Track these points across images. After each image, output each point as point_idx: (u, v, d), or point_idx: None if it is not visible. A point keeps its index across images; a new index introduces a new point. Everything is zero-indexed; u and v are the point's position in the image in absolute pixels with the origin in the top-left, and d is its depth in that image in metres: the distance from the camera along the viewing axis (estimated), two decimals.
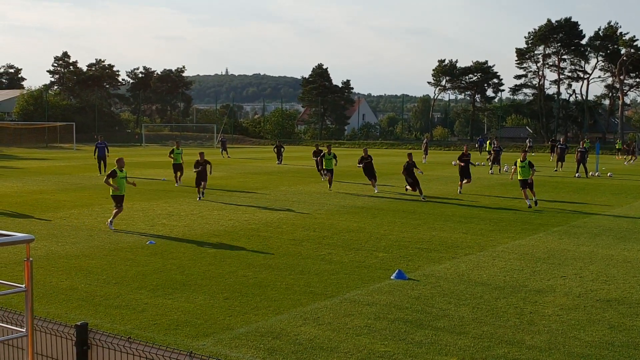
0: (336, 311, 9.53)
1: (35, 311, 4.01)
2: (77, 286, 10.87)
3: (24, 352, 4.75)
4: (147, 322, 8.95)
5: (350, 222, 18.07)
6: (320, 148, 33.28)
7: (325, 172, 28.42)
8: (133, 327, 8.69)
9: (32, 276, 3.80)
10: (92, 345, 4.55)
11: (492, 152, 39.12)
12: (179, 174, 28.39)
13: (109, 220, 16.87)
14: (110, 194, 17.32)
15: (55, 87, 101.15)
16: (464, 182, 25.95)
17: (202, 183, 23.39)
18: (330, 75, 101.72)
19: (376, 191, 25.44)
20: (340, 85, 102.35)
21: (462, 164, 25.78)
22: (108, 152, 34.51)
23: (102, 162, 33.82)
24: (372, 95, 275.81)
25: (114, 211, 16.97)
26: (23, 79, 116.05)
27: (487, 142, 51.30)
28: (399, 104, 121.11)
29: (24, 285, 3.81)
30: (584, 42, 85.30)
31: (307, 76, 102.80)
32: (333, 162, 27.44)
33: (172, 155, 28.84)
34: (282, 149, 44.95)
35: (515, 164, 22.18)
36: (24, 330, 3.94)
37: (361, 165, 26.35)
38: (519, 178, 21.90)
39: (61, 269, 12.11)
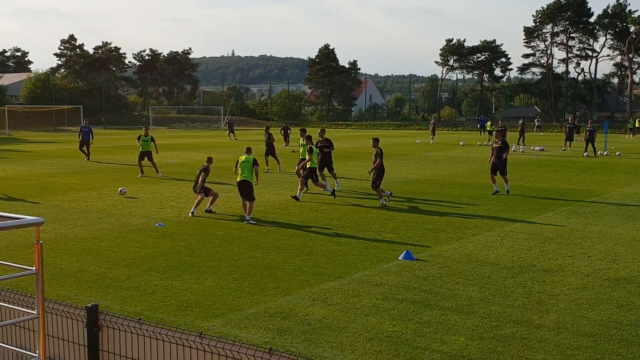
0: (344, 292, 9.57)
1: (45, 293, 4.04)
2: (87, 268, 10.94)
3: (35, 333, 4.80)
4: (157, 304, 9.02)
5: (358, 203, 18.07)
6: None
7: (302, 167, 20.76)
8: (143, 309, 8.75)
9: (42, 259, 3.83)
10: (102, 327, 4.59)
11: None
12: (148, 162, 24.86)
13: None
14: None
15: (62, 70, 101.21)
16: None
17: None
18: (337, 56, 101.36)
19: (336, 187, 20.30)
20: (347, 66, 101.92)
21: None
22: (92, 137, 32.17)
23: (85, 146, 31.55)
24: (379, 75, 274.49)
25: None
26: (30, 62, 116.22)
27: (488, 123, 51.04)
28: (406, 85, 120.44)
29: (34, 268, 3.83)
30: (592, 20, 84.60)
31: (313, 57, 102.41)
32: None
33: (139, 141, 25.06)
34: (289, 131, 44.87)
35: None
36: (35, 312, 3.98)
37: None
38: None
39: (71, 251, 12.18)
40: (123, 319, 4.51)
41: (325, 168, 20.72)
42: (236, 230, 14.21)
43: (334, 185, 20.59)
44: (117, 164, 29.78)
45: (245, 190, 15.46)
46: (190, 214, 15.95)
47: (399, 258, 11.57)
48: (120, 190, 19.34)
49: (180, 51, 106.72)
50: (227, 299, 9.25)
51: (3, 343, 5.01)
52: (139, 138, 25.10)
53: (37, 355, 4.05)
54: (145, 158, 24.61)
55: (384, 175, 17.89)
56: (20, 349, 4.86)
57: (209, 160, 17.01)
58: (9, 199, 18.75)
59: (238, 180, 15.61)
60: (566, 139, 39.35)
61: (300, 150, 21.47)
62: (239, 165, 15.75)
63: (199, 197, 16.31)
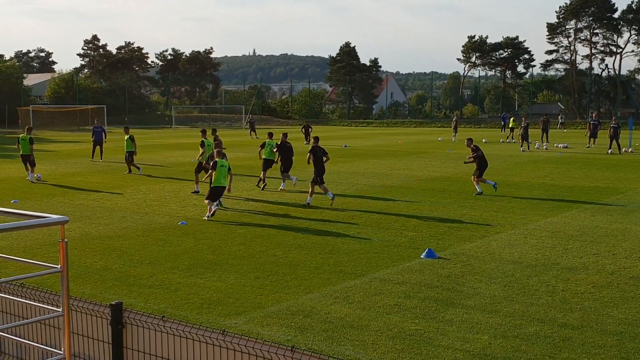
0: (366, 290, 9.55)
1: (70, 291, 4.08)
2: (111, 266, 11.04)
3: (60, 331, 4.85)
4: (180, 301, 9.07)
5: (379, 201, 18.04)
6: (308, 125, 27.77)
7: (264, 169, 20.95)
8: (166, 306, 8.81)
9: (67, 257, 3.86)
10: (126, 324, 4.62)
11: (520, 128, 38.48)
12: (29, 166, 23.30)
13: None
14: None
15: (86, 71, 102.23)
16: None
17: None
18: (358, 54, 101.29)
19: (281, 188, 20.22)
20: (368, 63, 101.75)
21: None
22: (106, 137, 32.63)
23: (97, 147, 31.31)
24: (401, 73, 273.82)
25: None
26: (54, 62, 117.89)
27: (511, 119, 50.60)
28: (428, 82, 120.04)
29: (59, 266, 3.87)
30: (616, 15, 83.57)
31: (334, 55, 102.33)
32: (274, 153, 20.79)
33: (18, 144, 23.54)
34: (310, 129, 44.91)
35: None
36: (60, 310, 4.02)
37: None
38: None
39: (95, 249, 12.30)
40: (147, 316, 4.54)
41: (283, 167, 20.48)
42: (258, 228, 14.25)
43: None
44: (139, 163, 29.99)
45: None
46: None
47: (421, 256, 11.52)
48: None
49: (202, 50, 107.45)
50: (249, 296, 9.28)
51: (29, 340, 5.07)
52: (18, 141, 23.66)
53: (62, 352, 4.10)
54: (28, 165, 23.27)
55: (485, 167, 19.52)
56: (46, 346, 4.92)
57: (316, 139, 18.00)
58: (34, 198, 18.97)
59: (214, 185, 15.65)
60: (590, 136, 38.92)
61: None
62: (218, 169, 15.64)
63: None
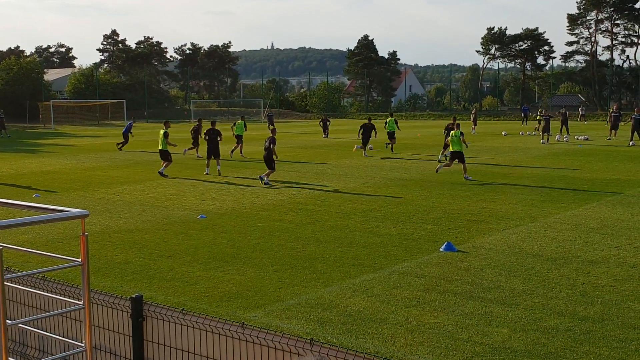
0: (385, 283, 9.54)
1: (91, 284, 4.12)
2: (131, 260, 11.13)
3: (81, 323, 4.90)
4: (199, 294, 9.13)
5: (397, 194, 18.00)
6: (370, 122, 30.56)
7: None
8: (186, 299, 8.87)
9: (87, 250, 3.90)
10: (147, 317, 4.66)
11: (541, 121, 38.20)
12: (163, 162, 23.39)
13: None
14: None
15: (105, 65, 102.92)
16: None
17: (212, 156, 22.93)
18: (376, 47, 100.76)
19: (265, 181, 20.32)
20: (386, 56, 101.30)
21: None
22: (132, 133, 35.54)
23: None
24: (419, 65, 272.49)
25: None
26: (74, 57, 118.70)
27: (540, 110, 50.21)
28: (446, 74, 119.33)
29: (80, 259, 3.91)
30: (637, 6, 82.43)
31: (352, 48, 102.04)
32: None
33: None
34: (328, 123, 44.86)
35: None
36: (81, 303, 4.06)
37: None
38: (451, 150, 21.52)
39: (116, 243, 12.40)
40: (167, 309, 4.57)
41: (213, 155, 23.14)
42: (276, 222, 14.28)
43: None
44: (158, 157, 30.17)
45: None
46: (262, 181, 19.97)
47: (440, 249, 11.49)
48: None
49: (220, 45, 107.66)
50: (268, 290, 9.31)
51: (51, 333, 5.13)
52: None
53: (83, 344, 4.14)
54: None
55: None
56: (67, 338, 4.97)
57: (274, 131, 21.30)
58: (55, 192, 19.15)
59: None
60: (611, 127, 38.49)
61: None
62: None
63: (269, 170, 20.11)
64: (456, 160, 21.10)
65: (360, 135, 29.47)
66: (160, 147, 23.15)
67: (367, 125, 29.37)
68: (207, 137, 23.40)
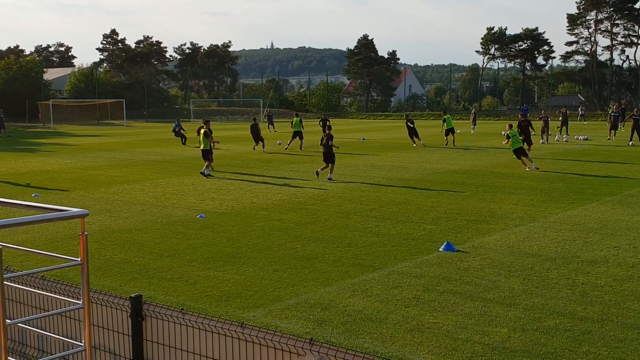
0: (384, 283, 9.55)
1: (90, 284, 4.11)
2: (130, 259, 11.13)
3: (81, 323, 4.90)
4: (199, 294, 9.13)
5: (397, 194, 18.00)
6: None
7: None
8: (186, 299, 8.87)
9: (87, 250, 3.89)
10: (146, 317, 4.66)
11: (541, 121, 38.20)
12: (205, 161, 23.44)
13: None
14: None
15: (105, 65, 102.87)
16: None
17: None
18: (376, 46, 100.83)
19: (329, 178, 20.99)
20: (386, 56, 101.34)
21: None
22: (183, 129, 38.42)
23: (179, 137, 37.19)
24: (419, 65, 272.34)
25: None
26: (73, 57, 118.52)
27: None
28: (446, 74, 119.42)
29: (79, 259, 3.91)
30: (637, 6, 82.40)
31: (352, 48, 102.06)
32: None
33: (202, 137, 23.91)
34: (328, 122, 44.83)
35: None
36: (80, 303, 4.06)
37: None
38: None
39: (115, 242, 12.40)
40: (166, 309, 4.57)
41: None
42: (276, 221, 14.28)
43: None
44: (159, 156, 30.18)
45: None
46: (316, 174, 21.13)
47: (440, 249, 11.49)
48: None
49: (220, 44, 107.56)
50: (267, 289, 9.31)
51: (50, 332, 5.13)
52: None
53: (82, 344, 4.14)
54: None
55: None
56: (67, 338, 4.97)
57: (330, 128, 23.54)
58: (55, 192, 19.15)
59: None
60: (611, 127, 38.50)
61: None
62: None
63: (325, 165, 21.09)
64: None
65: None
66: (202, 147, 22.91)
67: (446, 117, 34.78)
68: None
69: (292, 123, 34.63)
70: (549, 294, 8.96)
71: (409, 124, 34.52)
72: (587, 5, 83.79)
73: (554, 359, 6.86)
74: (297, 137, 33.08)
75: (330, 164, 21.18)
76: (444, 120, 34.86)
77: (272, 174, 22.78)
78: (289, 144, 33.46)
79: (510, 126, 24.07)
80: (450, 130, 34.41)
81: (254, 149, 32.78)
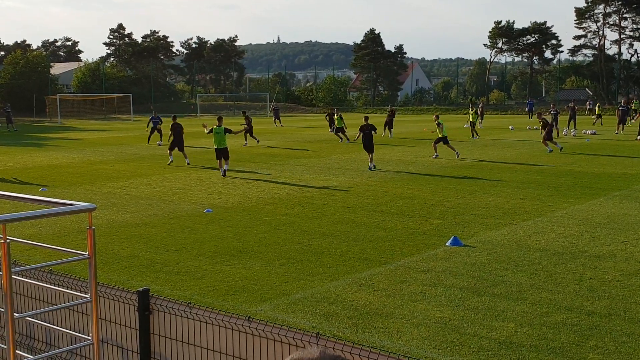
0: (391, 277, 9.54)
1: (98, 278, 4.13)
2: (138, 253, 11.16)
3: (88, 317, 4.91)
4: (206, 288, 9.15)
5: (404, 189, 17.98)
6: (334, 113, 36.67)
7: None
8: (193, 293, 8.89)
9: (94, 244, 3.91)
10: (153, 311, 4.67)
11: (550, 115, 38.06)
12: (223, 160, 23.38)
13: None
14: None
15: (112, 59, 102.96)
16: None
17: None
18: (383, 40, 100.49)
19: (372, 167, 22.47)
20: (393, 50, 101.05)
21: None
22: (161, 123, 34.45)
23: (156, 132, 34.73)
24: (426, 59, 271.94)
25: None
26: (80, 51, 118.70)
27: (597, 105, 50.36)
28: (453, 68, 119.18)
29: (87, 253, 3.92)
30: None
31: (359, 42, 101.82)
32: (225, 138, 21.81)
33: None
34: (334, 116, 44.77)
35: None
36: (88, 296, 4.07)
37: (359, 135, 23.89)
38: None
39: (122, 237, 12.43)
40: (173, 303, 4.58)
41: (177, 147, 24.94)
42: (282, 216, 14.29)
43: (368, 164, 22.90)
44: (166, 150, 30.23)
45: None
46: (369, 169, 21.92)
47: (447, 244, 11.48)
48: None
49: (226, 38, 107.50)
50: (274, 283, 9.33)
51: (58, 326, 5.14)
52: None
53: (90, 337, 4.15)
54: None
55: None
56: (74, 331, 4.99)
57: (367, 118, 24.09)
58: (62, 186, 19.21)
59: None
60: (619, 122, 38.33)
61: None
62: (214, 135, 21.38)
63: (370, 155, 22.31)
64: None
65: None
66: (220, 146, 21.71)
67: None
68: (171, 132, 25.34)
69: (335, 120, 36.19)
70: (556, 288, 8.94)
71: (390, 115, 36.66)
72: None
73: (561, 353, 6.84)
74: (341, 132, 34.54)
75: (370, 153, 22.64)
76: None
77: (278, 169, 22.78)
78: (348, 139, 33.58)
79: (437, 116, 26.59)
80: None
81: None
